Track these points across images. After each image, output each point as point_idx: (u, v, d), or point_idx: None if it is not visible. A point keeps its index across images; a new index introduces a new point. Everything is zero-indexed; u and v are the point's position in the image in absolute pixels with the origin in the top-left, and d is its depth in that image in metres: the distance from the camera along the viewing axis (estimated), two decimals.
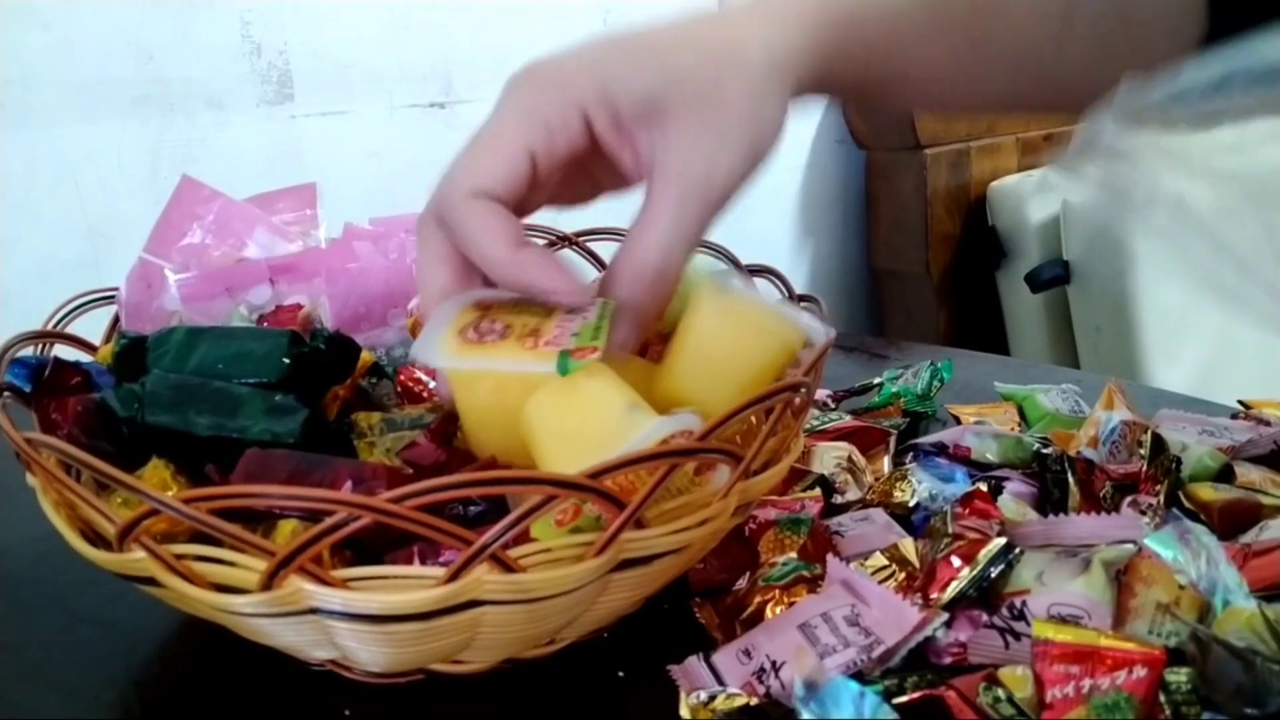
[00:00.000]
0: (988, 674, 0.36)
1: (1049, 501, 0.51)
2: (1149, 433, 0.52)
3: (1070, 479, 0.50)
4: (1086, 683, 0.34)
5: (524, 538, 0.34)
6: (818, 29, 0.42)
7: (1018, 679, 0.35)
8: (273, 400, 0.43)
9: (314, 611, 0.34)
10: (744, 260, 0.56)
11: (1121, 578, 0.40)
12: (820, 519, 0.48)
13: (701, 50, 0.40)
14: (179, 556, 0.35)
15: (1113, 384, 0.61)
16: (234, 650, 0.41)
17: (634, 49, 0.40)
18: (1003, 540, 0.42)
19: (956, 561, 0.41)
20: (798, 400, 0.43)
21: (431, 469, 0.40)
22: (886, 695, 0.35)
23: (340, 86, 1.21)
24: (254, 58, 1.14)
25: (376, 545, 0.37)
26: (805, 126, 1.77)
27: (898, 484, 0.52)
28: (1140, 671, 0.34)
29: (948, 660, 0.39)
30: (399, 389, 0.51)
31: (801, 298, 0.51)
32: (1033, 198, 1.69)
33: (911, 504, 0.51)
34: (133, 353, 0.47)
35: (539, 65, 0.40)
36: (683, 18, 0.42)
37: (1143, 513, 0.47)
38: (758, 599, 0.42)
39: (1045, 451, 0.53)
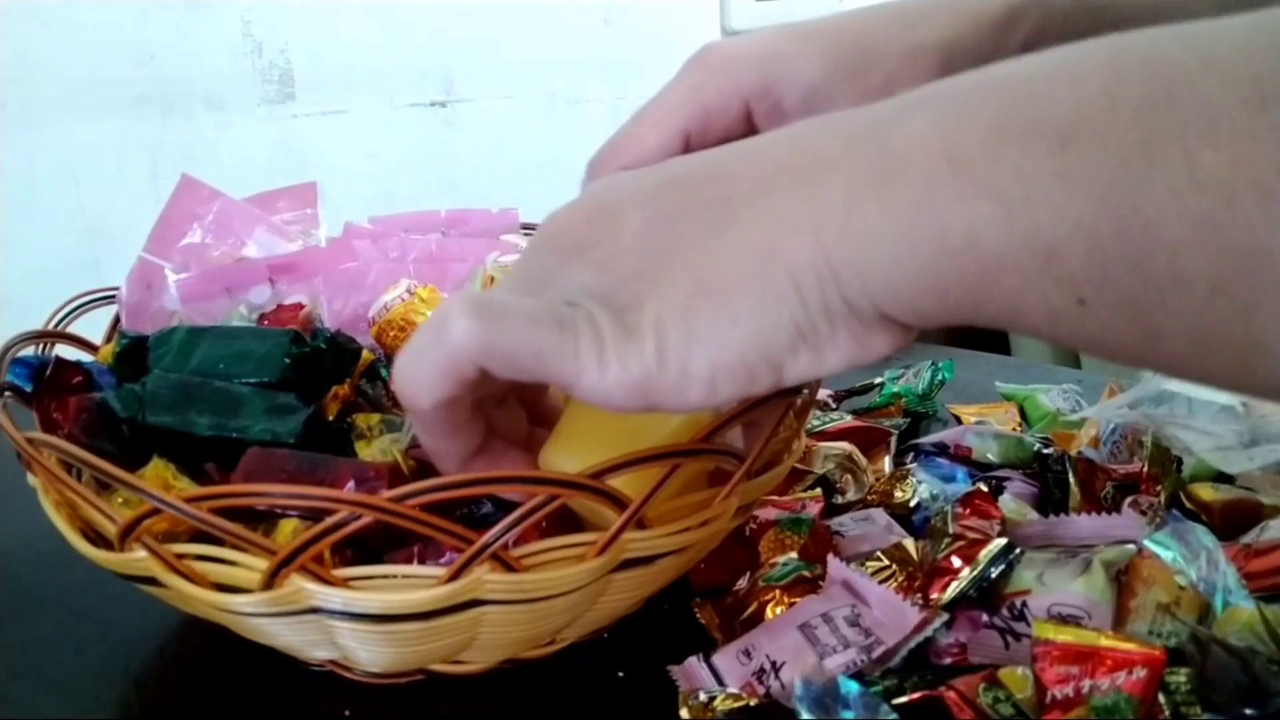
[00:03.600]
0: (988, 674, 0.36)
1: (1050, 502, 0.51)
2: (1149, 433, 0.52)
3: (1071, 479, 0.50)
4: (1086, 683, 0.34)
5: (526, 537, 0.34)
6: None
7: (1018, 679, 0.35)
8: (273, 400, 0.43)
9: (315, 611, 0.34)
10: None
11: (1122, 578, 0.40)
12: (821, 519, 0.48)
13: (873, 46, 0.40)
14: (180, 556, 0.35)
15: (1113, 384, 0.61)
16: (234, 650, 0.41)
17: (808, 39, 0.40)
18: (1003, 540, 0.42)
19: (957, 561, 0.41)
20: (799, 401, 0.43)
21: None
22: (886, 695, 0.35)
23: (340, 86, 1.21)
24: (254, 57, 1.14)
25: (378, 545, 0.37)
26: None
27: (898, 484, 0.52)
28: (1140, 672, 0.34)
29: (948, 661, 0.39)
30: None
31: None
32: None
33: (912, 504, 0.51)
34: (133, 353, 0.47)
35: (714, 47, 0.40)
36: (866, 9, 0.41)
37: (1143, 513, 0.47)
38: (758, 599, 0.42)
39: (1046, 451, 0.53)
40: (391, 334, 0.53)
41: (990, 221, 0.25)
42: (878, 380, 0.68)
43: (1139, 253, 0.23)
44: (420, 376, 0.30)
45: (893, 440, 0.58)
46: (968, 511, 0.47)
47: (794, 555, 0.45)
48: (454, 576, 0.33)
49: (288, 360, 0.45)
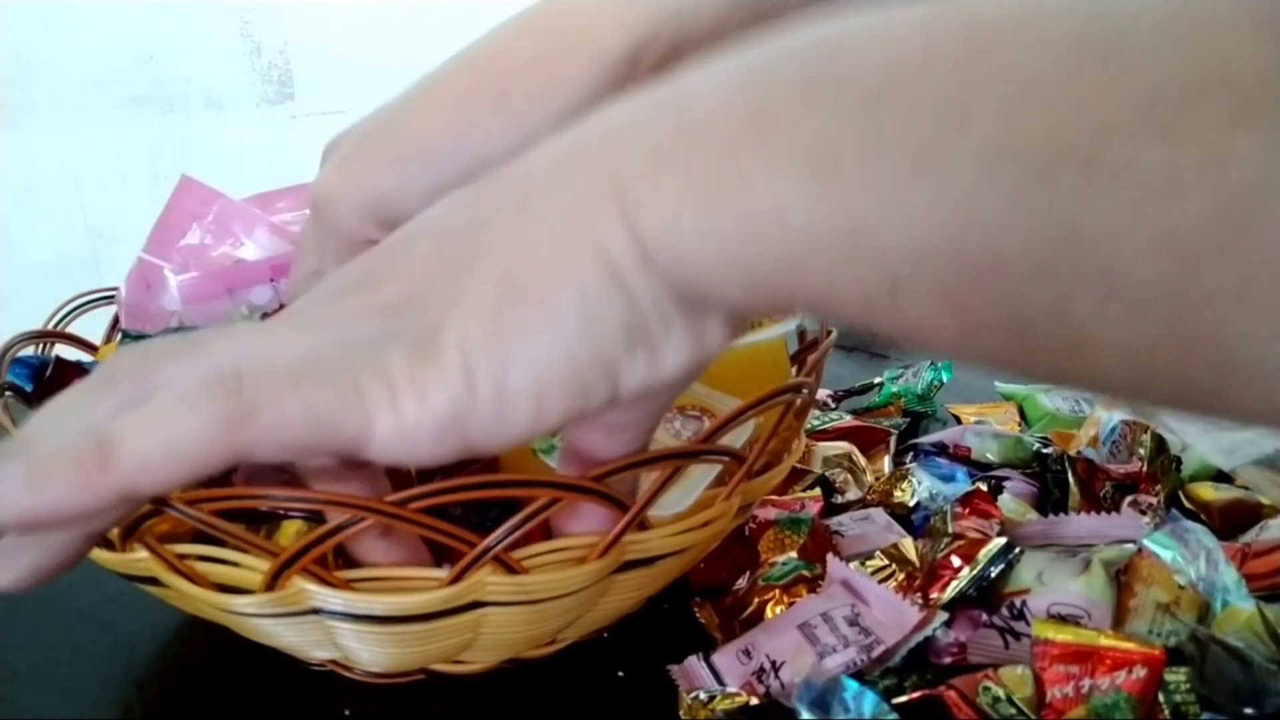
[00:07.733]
0: (987, 674, 0.36)
1: (1049, 501, 0.51)
2: (1149, 432, 0.52)
3: (1070, 479, 0.50)
4: (1086, 682, 0.34)
5: (529, 539, 0.34)
6: None
7: (1017, 679, 0.36)
8: None
9: (316, 612, 0.34)
10: None
11: (1121, 578, 0.40)
12: (820, 519, 0.48)
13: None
14: (182, 556, 0.35)
15: None
16: (234, 650, 0.41)
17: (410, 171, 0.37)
18: (1003, 540, 0.42)
19: (956, 561, 0.42)
20: (799, 401, 0.43)
21: (459, 465, 0.40)
22: (886, 695, 0.35)
23: (339, 86, 1.21)
24: (254, 57, 1.14)
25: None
26: None
27: (898, 484, 0.52)
28: (1140, 671, 0.34)
29: (948, 660, 0.39)
30: None
31: None
32: None
33: (912, 504, 0.51)
34: None
35: (324, 203, 0.38)
36: None
37: (1143, 513, 0.47)
38: (758, 599, 0.42)
39: (1045, 451, 0.54)
40: None
41: (798, 191, 0.22)
42: (877, 380, 0.68)
43: (952, 229, 0.21)
44: (153, 463, 0.23)
45: (892, 440, 0.59)
46: (967, 511, 0.47)
47: (794, 555, 0.45)
48: (456, 579, 0.33)
49: None
